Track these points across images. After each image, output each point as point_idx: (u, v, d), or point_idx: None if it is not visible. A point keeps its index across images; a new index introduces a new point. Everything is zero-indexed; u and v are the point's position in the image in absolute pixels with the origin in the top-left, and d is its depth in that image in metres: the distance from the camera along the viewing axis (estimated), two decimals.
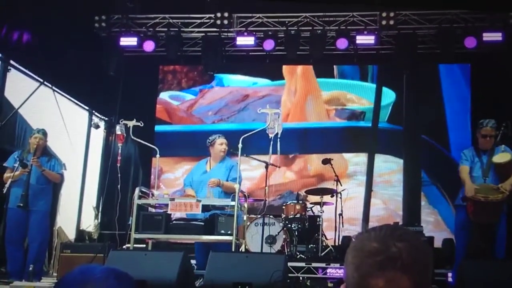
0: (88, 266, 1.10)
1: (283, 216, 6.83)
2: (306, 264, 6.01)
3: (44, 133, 5.80)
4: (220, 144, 5.60)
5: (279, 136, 5.39)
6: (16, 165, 5.50)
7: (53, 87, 7.40)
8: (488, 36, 7.58)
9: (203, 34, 8.21)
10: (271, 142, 5.43)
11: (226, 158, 5.73)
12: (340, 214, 6.88)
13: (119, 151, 5.86)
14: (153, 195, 5.54)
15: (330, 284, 5.55)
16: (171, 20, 8.18)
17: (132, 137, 5.70)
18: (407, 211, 8.12)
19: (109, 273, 1.06)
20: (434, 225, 8.01)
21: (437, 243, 6.90)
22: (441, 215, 8.04)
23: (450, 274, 5.58)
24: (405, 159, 8.34)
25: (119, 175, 5.86)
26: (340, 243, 6.82)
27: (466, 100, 8.35)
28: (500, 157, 5.05)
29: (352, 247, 1.11)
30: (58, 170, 5.84)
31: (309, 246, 6.68)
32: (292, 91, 8.79)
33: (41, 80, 7.16)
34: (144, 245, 5.77)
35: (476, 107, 8.13)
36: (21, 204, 5.46)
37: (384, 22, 7.63)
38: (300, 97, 8.79)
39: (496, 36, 7.57)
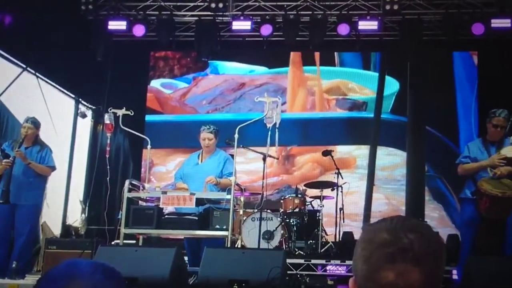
0: (74, 260, 1.10)
1: (281, 210, 6.84)
2: (305, 260, 6.03)
3: (34, 122, 5.74)
4: (203, 139, 5.55)
5: (277, 126, 5.38)
6: None
7: (37, 74, 7.34)
8: (496, 23, 7.56)
9: (196, 18, 8.16)
10: (269, 133, 5.42)
11: (219, 151, 5.69)
12: (341, 209, 6.89)
13: (108, 141, 5.83)
14: (144, 188, 5.51)
15: (330, 282, 5.57)
16: (162, 3, 8.11)
17: (122, 126, 5.67)
18: (411, 206, 8.14)
19: (96, 267, 1.07)
20: (438, 220, 8.04)
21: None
22: (446, 211, 8.08)
23: (455, 271, 5.60)
24: (408, 152, 8.35)
25: (107, 167, 5.84)
26: (340, 239, 6.84)
27: (472, 89, 8.38)
28: (510, 150, 5.06)
29: (362, 238, 1.11)
30: (49, 162, 5.77)
31: (308, 242, 6.69)
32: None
33: (24, 66, 7.10)
34: (135, 241, 5.77)
35: (483, 96, 8.15)
36: (1, 201, 5.41)
37: (388, 7, 7.59)
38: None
39: (505, 23, 7.56)
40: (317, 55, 8.76)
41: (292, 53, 8.79)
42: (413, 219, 1.11)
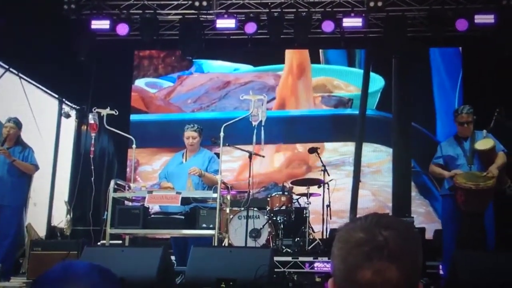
0: (69, 262, 1.10)
1: (268, 208, 6.86)
2: (292, 258, 6.06)
3: (16, 122, 5.73)
4: (187, 138, 5.55)
5: (263, 124, 5.39)
6: None
7: (20, 74, 7.27)
8: (480, 18, 7.64)
9: (180, 16, 8.13)
10: (255, 131, 5.42)
11: (203, 150, 5.69)
12: (328, 206, 6.93)
13: (92, 141, 5.80)
14: (129, 187, 5.49)
15: (317, 279, 5.60)
16: (146, 2, 8.08)
17: (106, 126, 5.64)
18: (397, 202, 8.21)
19: (92, 268, 1.07)
20: (425, 216, 8.12)
21: (429, 235, 7.00)
22: (432, 206, 8.15)
23: (441, 266, 5.67)
24: (394, 148, 8.42)
25: (92, 167, 5.81)
26: (327, 236, 6.87)
27: (455, 85, 8.47)
28: (482, 144, 5.12)
29: (338, 238, 1.11)
30: (32, 160, 5.76)
31: (296, 239, 6.72)
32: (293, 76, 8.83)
33: (6, 67, 7.03)
34: (121, 241, 5.75)
35: (467, 92, 8.24)
36: None
37: (372, 4, 7.62)
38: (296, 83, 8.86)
39: (488, 18, 7.64)
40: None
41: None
42: (388, 216, 1.12)
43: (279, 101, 8.78)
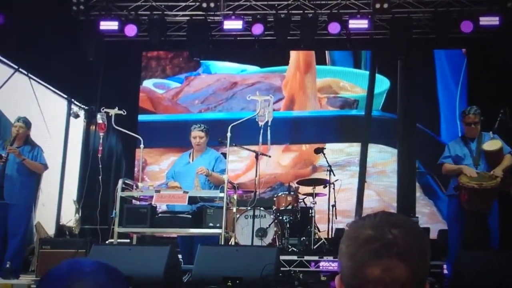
0: (77, 260, 1.09)
1: (274, 208, 6.86)
2: (298, 257, 6.05)
3: (25, 121, 5.74)
4: (194, 138, 5.54)
5: (269, 124, 5.38)
6: None
7: (29, 74, 7.30)
8: (485, 20, 7.61)
9: (188, 17, 8.14)
10: (261, 131, 5.42)
11: (209, 149, 5.68)
12: (333, 206, 6.93)
13: (101, 141, 5.82)
14: (137, 187, 5.50)
15: (323, 278, 5.59)
16: (154, 3, 8.09)
17: (115, 126, 5.65)
18: (402, 202, 8.19)
19: (99, 267, 1.06)
20: (429, 216, 8.09)
21: (433, 235, 6.97)
22: (437, 206, 8.13)
23: (445, 266, 5.65)
24: (399, 149, 8.39)
25: (100, 166, 5.82)
26: (333, 236, 6.87)
27: (459, 87, 8.44)
28: (490, 145, 5.12)
29: (346, 235, 1.10)
30: (41, 160, 5.76)
31: (301, 238, 6.71)
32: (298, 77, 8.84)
33: (16, 67, 7.06)
34: (128, 240, 5.75)
35: (472, 93, 8.20)
36: None
37: (377, 6, 7.60)
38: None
39: (493, 20, 7.61)
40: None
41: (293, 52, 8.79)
42: (396, 215, 1.11)
43: (288, 97, 8.77)
